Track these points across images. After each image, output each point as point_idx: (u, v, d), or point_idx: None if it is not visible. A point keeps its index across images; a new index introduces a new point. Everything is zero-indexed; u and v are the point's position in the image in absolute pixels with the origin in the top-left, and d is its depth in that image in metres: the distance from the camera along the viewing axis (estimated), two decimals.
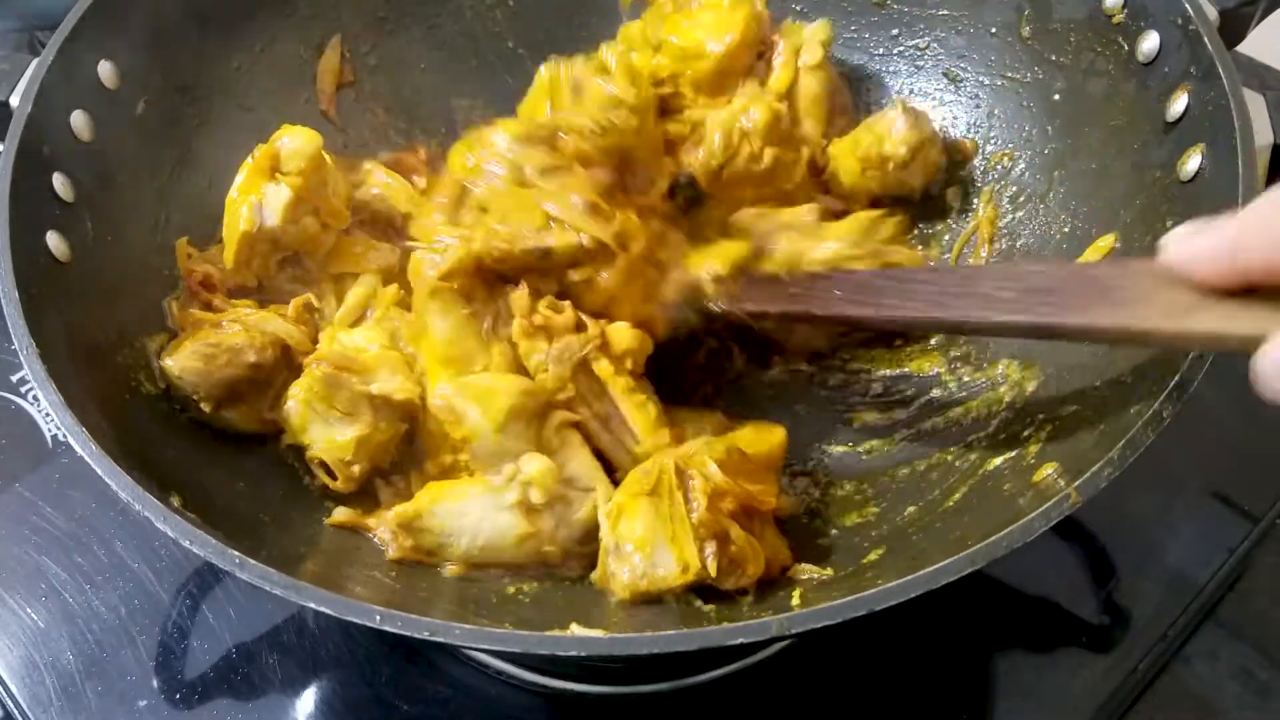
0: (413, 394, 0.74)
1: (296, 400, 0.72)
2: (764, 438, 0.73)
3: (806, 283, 0.76)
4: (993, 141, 0.89)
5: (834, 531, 0.73)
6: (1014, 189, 0.86)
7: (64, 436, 0.60)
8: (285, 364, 0.77)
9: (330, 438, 0.72)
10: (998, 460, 0.69)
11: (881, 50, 0.95)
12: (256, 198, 0.78)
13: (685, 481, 0.66)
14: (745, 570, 0.65)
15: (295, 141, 0.78)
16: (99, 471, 0.56)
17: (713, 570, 0.63)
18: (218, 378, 0.72)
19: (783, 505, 0.72)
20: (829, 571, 0.67)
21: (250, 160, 0.78)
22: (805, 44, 0.88)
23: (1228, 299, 0.40)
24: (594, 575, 0.68)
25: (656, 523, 0.65)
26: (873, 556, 0.68)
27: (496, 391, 0.70)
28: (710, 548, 0.64)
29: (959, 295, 0.62)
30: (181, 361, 0.72)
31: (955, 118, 0.91)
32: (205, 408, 0.73)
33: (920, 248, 0.90)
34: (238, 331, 0.75)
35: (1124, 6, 0.74)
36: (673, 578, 0.64)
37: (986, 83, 0.89)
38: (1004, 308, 0.57)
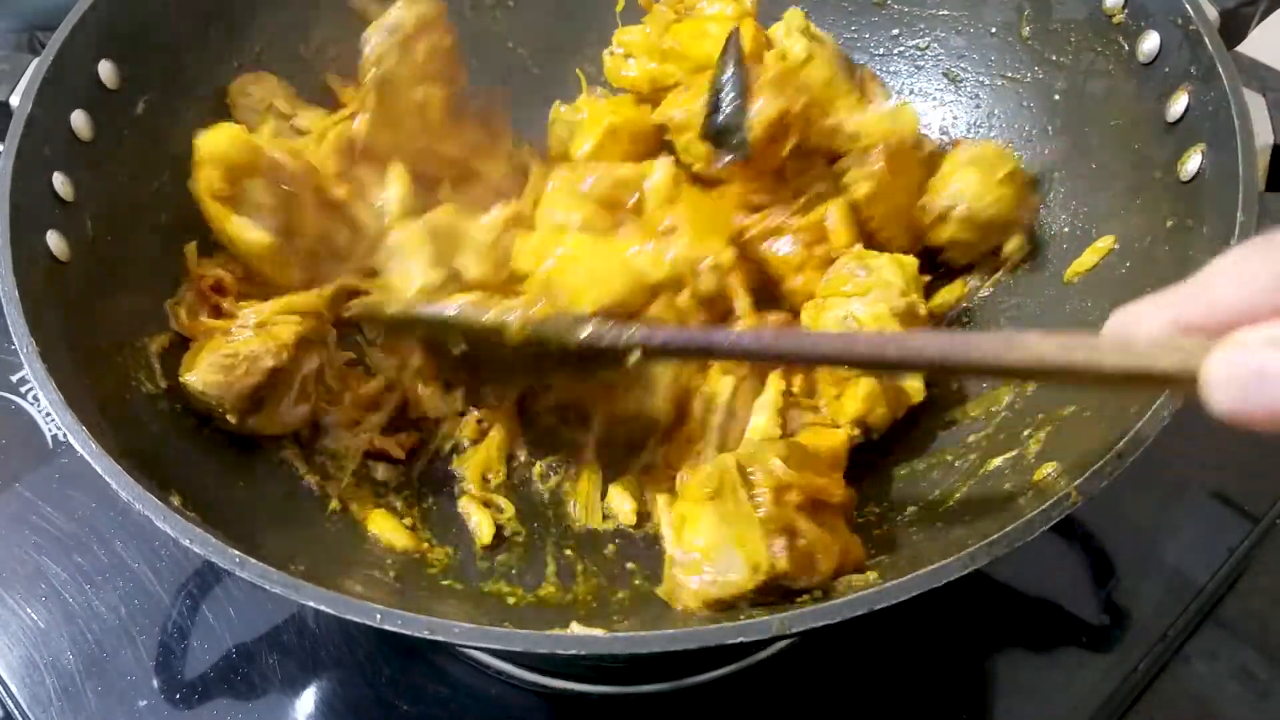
0: (488, 276, 0.79)
1: (406, 235, 0.79)
2: (824, 441, 0.71)
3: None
4: (993, 142, 0.89)
5: None
6: None
7: (64, 436, 0.60)
8: (299, 364, 0.76)
9: (407, 272, 0.78)
10: (998, 460, 0.69)
11: (881, 50, 0.95)
12: (234, 224, 0.76)
13: (747, 478, 0.63)
14: (817, 566, 0.61)
15: (213, 144, 0.74)
16: (99, 471, 0.56)
17: (783, 565, 0.60)
18: (239, 388, 0.72)
19: (848, 499, 0.69)
20: None
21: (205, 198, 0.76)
22: (785, 45, 0.87)
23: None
24: (660, 589, 0.66)
25: (721, 526, 0.62)
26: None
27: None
28: (779, 542, 0.60)
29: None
30: (202, 375, 0.71)
31: (955, 118, 0.91)
32: (231, 420, 0.73)
33: None
34: (250, 338, 0.74)
35: (1124, 6, 0.74)
36: (743, 580, 0.61)
37: (986, 83, 0.89)
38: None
